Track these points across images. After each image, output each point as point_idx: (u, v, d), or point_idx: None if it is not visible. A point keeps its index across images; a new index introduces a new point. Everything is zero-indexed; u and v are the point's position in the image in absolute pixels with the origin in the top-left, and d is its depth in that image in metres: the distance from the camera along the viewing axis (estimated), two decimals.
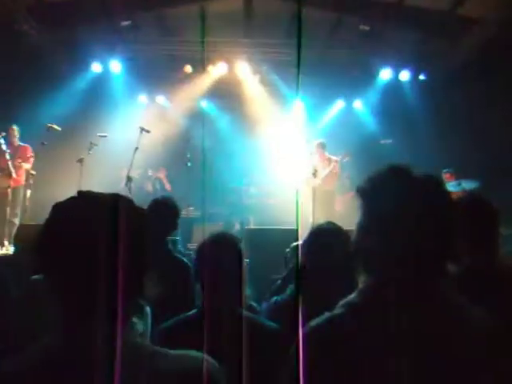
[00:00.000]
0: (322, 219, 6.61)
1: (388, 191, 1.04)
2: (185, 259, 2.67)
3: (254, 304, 2.21)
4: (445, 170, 7.25)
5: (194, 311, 1.71)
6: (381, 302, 0.99)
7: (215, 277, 1.66)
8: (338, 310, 1.03)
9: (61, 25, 7.99)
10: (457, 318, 1.00)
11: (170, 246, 2.63)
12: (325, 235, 1.90)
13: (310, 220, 6.49)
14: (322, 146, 7.12)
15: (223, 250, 1.71)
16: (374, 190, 1.07)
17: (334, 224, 2.00)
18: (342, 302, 1.04)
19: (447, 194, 1.09)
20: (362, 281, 1.09)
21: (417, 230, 0.99)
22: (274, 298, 2.01)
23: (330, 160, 7.00)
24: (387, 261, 1.01)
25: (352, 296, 1.06)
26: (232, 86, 9.32)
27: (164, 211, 2.58)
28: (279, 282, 2.54)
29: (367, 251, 1.06)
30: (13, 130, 6.54)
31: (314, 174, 6.61)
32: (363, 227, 1.07)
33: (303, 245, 2.00)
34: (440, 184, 1.09)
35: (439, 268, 1.04)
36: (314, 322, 1.03)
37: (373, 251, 1.05)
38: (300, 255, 1.84)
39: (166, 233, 2.59)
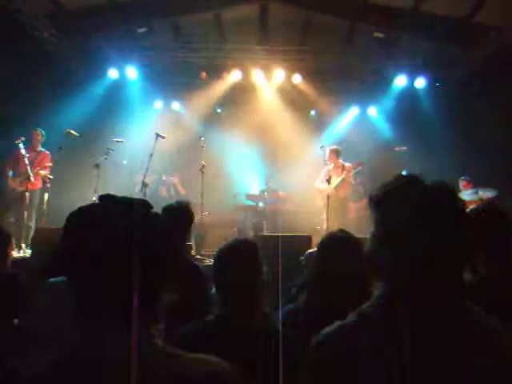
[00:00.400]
0: (335, 226, 6.63)
1: (401, 200, 1.04)
2: (199, 264, 2.69)
3: (269, 311, 2.21)
4: (462, 178, 7.19)
5: (210, 317, 1.73)
6: (394, 312, 0.99)
7: (233, 284, 1.68)
8: (350, 319, 1.03)
9: (79, 32, 8.14)
10: (473, 329, 0.99)
11: (184, 251, 2.65)
12: (337, 243, 1.90)
13: (324, 227, 6.49)
14: (337, 152, 7.06)
15: (242, 257, 1.72)
16: (387, 199, 1.07)
17: (346, 232, 2.00)
18: (354, 312, 1.04)
19: (461, 202, 1.08)
20: (375, 290, 1.09)
21: (431, 239, 0.99)
22: (289, 305, 2.01)
23: (343, 167, 6.94)
24: (400, 271, 1.01)
25: (365, 305, 1.06)
26: (247, 93, 9.38)
27: (178, 216, 2.59)
28: (294, 290, 2.54)
29: (381, 261, 1.06)
30: (37, 133, 6.51)
31: (328, 181, 6.60)
32: (376, 237, 1.07)
33: (316, 252, 2.01)
34: (453, 193, 1.08)
35: (455, 278, 1.03)
36: (325, 331, 1.03)
37: (386, 261, 1.05)
38: (313, 263, 1.84)
39: (180, 238, 2.60)
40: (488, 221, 1.87)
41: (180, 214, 2.63)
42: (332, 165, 7.00)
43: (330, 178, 6.66)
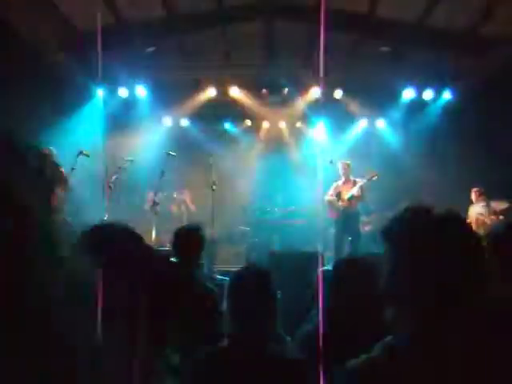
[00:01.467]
0: (347, 241, 6.60)
1: (412, 233, 1.06)
2: (212, 287, 2.68)
3: (282, 333, 2.20)
4: (474, 189, 7.12)
5: (224, 343, 1.73)
6: (421, 347, 0.99)
7: (245, 311, 1.69)
8: (375, 352, 1.03)
9: (88, 52, 8.30)
10: (495, 358, 0.99)
11: (197, 273, 2.66)
12: (352, 268, 1.90)
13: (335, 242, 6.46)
14: (347, 166, 7.04)
15: (253, 286, 1.73)
16: (396, 232, 1.09)
17: (361, 258, 1.99)
18: (379, 344, 1.05)
19: (469, 231, 1.10)
20: (393, 320, 1.10)
21: (443, 269, 1.01)
22: (305, 328, 1.99)
23: (354, 182, 6.89)
24: (418, 304, 1.02)
25: (389, 339, 1.06)
26: (254, 108, 9.46)
27: (190, 240, 2.61)
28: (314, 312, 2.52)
29: (395, 292, 1.08)
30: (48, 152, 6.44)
31: (338, 196, 6.60)
32: (390, 270, 1.08)
33: (332, 277, 2.01)
34: (462, 222, 1.10)
35: (469, 304, 1.04)
36: (353, 364, 1.04)
37: (401, 292, 1.06)
38: (330, 288, 1.84)
39: (192, 261, 2.62)
40: (505, 244, 1.86)
41: (191, 238, 2.64)
42: (342, 179, 6.99)
43: (339, 193, 6.66)
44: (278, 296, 1.79)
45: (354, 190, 6.78)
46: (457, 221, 1.09)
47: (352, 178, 6.99)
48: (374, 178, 6.90)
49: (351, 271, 1.87)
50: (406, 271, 1.05)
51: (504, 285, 1.86)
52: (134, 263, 1.09)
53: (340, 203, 6.71)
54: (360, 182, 6.81)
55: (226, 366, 1.68)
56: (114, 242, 1.19)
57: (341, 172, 6.98)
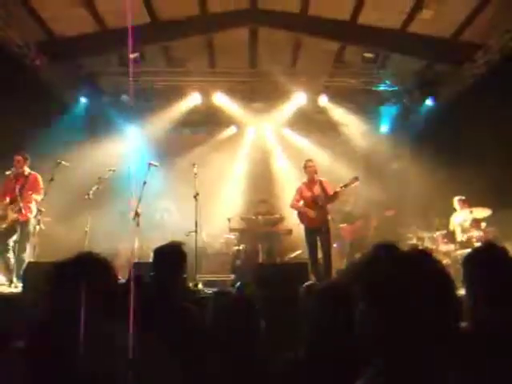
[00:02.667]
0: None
1: (380, 271, 1.07)
2: (189, 306, 2.58)
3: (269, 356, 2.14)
4: (457, 198, 7.17)
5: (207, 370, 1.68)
6: None
7: (231, 343, 1.64)
8: None
9: (70, 58, 8.18)
10: None
11: (174, 293, 2.55)
12: (334, 294, 1.84)
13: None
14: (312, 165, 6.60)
15: (239, 317, 1.68)
16: (366, 275, 1.09)
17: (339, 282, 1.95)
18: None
19: (439, 265, 1.10)
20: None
21: (416, 305, 1.00)
22: (290, 353, 1.93)
23: (320, 183, 6.49)
24: (390, 338, 1.01)
25: (362, 380, 1.04)
26: (239, 115, 9.43)
27: (171, 261, 2.54)
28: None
29: (371, 328, 1.06)
30: (19, 159, 6.30)
31: (321, 206, 6.45)
32: (363, 310, 1.07)
33: (313, 303, 1.95)
34: (430, 257, 1.11)
35: (443, 341, 1.03)
36: None
37: (376, 329, 1.05)
38: (311, 315, 1.79)
39: (174, 281, 2.55)
40: (484, 265, 1.85)
41: (172, 258, 2.58)
42: (306, 180, 6.63)
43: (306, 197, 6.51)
44: (263, 325, 1.74)
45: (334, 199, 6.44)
46: (425, 257, 1.10)
47: (317, 179, 6.54)
48: (354, 185, 6.39)
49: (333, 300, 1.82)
50: (379, 312, 1.04)
51: (489, 308, 1.85)
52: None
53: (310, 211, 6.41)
54: (338, 188, 6.36)
55: None
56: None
57: (307, 172, 6.56)
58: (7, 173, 6.14)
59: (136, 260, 5.92)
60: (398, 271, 1.05)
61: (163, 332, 1.95)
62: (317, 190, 6.49)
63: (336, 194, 6.37)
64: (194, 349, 2.30)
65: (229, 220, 8.02)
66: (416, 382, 0.98)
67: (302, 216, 6.54)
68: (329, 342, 1.59)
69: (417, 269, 1.05)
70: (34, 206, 6.24)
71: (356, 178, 6.38)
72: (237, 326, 1.66)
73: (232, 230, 8.09)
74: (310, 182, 6.57)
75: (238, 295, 1.85)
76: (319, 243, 6.29)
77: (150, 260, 2.85)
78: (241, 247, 7.74)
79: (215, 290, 3.39)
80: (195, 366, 1.83)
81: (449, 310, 1.03)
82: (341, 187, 6.34)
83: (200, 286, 5.81)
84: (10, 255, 6.02)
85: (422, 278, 1.03)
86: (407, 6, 7.25)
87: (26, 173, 6.38)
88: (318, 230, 6.28)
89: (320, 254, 6.31)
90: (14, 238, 6.07)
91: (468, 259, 1.96)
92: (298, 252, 8.02)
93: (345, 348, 1.49)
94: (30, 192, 6.23)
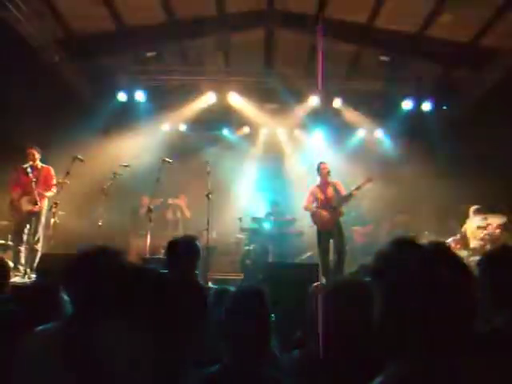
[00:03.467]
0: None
1: (396, 270, 1.03)
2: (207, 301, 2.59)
3: (277, 352, 2.14)
4: (472, 208, 6.98)
5: (215, 367, 1.68)
6: None
7: (238, 335, 1.64)
8: None
9: (89, 56, 8.28)
10: None
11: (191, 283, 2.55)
12: (347, 290, 1.83)
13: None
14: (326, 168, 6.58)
15: (247, 309, 1.68)
16: (383, 271, 1.06)
17: (354, 278, 1.94)
18: None
19: (457, 260, 1.06)
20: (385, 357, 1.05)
21: (434, 301, 0.98)
22: (296, 351, 1.94)
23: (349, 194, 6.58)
24: (412, 344, 0.98)
25: (377, 380, 1.01)
26: (253, 115, 9.45)
27: (186, 251, 2.55)
28: (299, 333, 2.47)
29: (387, 334, 1.04)
30: (35, 151, 6.35)
31: (334, 208, 6.43)
32: (380, 309, 1.04)
33: (324, 298, 1.94)
34: (448, 251, 1.07)
35: (468, 343, 1.00)
36: None
37: (394, 328, 1.03)
38: (322, 310, 1.78)
39: (186, 272, 2.55)
40: (499, 269, 1.83)
41: (187, 250, 2.59)
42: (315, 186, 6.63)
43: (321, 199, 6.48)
44: (272, 319, 1.74)
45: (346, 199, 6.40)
46: (443, 251, 1.06)
47: (330, 181, 6.52)
48: (368, 185, 6.36)
49: (348, 294, 1.81)
50: (397, 310, 1.02)
51: (496, 310, 1.83)
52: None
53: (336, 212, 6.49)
54: (352, 190, 6.34)
55: None
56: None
57: (320, 174, 6.52)
58: (24, 166, 6.22)
59: (147, 256, 5.95)
60: (418, 267, 1.01)
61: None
62: (330, 191, 6.47)
63: (349, 195, 6.34)
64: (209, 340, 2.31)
65: (240, 220, 8.03)
66: (432, 381, 0.96)
67: (315, 218, 6.52)
68: (343, 340, 1.59)
69: (435, 264, 1.01)
70: (46, 199, 6.34)
71: (369, 179, 6.35)
72: (251, 313, 1.66)
73: (243, 229, 8.11)
74: (323, 184, 6.56)
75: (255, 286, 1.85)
76: (333, 245, 6.27)
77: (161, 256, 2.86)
78: (251, 247, 7.74)
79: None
80: (207, 356, 1.83)
81: (468, 309, 1.01)
82: (355, 189, 6.31)
83: (210, 284, 5.84)
84: (23, 247, 6.10)
85: (439, 275, 1.00)
86: (426, 9, 7.20)
87: (39, 166, 6.46)
88: (331, 233, 6.25)
89: (331, 257, 6.28)
90: (28, 229, 6.15)
91: (482, 261, 1.95)
92: (309, 254, 8.00)
93: (360, 346, 1.48)
94: (44, 186, 6.30)
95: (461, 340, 0.99)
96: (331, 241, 6.28)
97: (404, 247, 1.07)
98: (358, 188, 6.31)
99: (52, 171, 6.45)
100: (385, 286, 1.05)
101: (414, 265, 1.02)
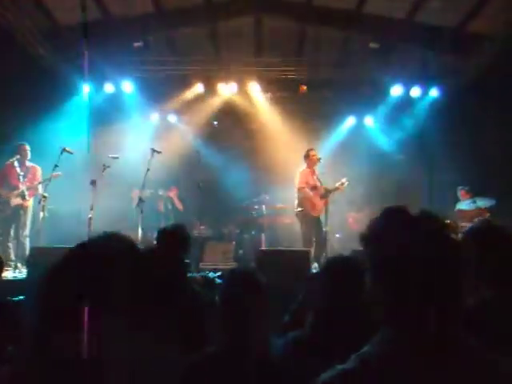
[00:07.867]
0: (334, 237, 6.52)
1: (389, 238, 1.02)
2: (198, 290, 2.60)
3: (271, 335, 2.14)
4: (460, 187, 7.16)
5: (211, 349, 1.67)
6: (397, 357, 0.95)
7: (239, 317, 1.62)
8: (349, 364, 0.98)
9: (74, 47, 8.14)
10: (481, 372, 0.95)
11: (182, 275, 2.56)
12: (343, 268, 1.83)
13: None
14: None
15: (247, 290, 1.66)
16: (375, 237, 1.05)
17: (351, 259, 1.93)
18: (354, 355, 1.00)
19: (450, 231, 1.06)
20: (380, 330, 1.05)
21: (425, 271, 0.96)
22: (291, 334, 1.93)
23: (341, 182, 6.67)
24: (400, 311, 0.98)
25: (365, 349, 1.01)
26: (243, 105, 9.39)
27: (174, 241, 2.54)
28: (287, 318, 2.46)
29: (379, 301, 1.04)
30: (25, 149, 6.41)
31: (325, 195, 6.48)
32: (373, 277, 1.04)
33: (321, 278, 1.94)
34: (441, 222, 1.06)
35: (456, 315, 1.00)
36: (324, 377, 0.98)
37: (384, 302, 1.02)
38: (319, 290, 1.78)
39: (176, 263, 2.55)
40: (486, 242, 1.84)
41: (176, 239, 2.57)
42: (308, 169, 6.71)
43: (327, 190, 6.54)
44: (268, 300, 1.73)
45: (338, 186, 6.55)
46: (436, 221, 1.05)
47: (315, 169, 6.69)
48: (344, 185, 6.58)
49: (343, 270, 1.81)
50: (386, 277, 1.01)
51: (477, 282, 1.84)
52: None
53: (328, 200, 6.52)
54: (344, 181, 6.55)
55: (213, 373, 1.63)
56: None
57: (309, 161, 6.67)
58: (11, 160, 6.16)
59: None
60: (410, 238, 1.00)
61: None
62: (316, 179, 6.51)
63: (335, 189, 6.51)
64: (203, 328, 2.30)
65: (232, 209, 8.03)
66: (424, 351, 0.95)
67: (305, 202, 6.48)
68: (337, 311, 1.59)
69: (422, 229, 1.01)
70: (33, 195, 6.33)
71: (342, 183, 6.55)
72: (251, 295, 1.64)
73: (235, 219, 8.11)
74: (312, 171, 6.57)
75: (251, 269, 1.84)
76: (315, 231, 6.31)
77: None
78: (244, 236, 7.75)
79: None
80: (203, 346, 1.82)
81: (459, 282, 1.00)
82: (331, 189, 6.51)
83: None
84: (12, 243, 6.06)
85: (435, 247, 0.99)
86: None
87: (27, 164, 6.45)
88: (318, 219, 6.33)
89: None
90: (16, 224, 6.12)
91: (465, 236, 1.96)
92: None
93: (354, 318, 1.49)
94: (29, 184, 6.29)
95: (447, 315, 0.98)
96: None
97: (395, 216, 1.06)
98: (333, 190, 6.51)
99: (39, 172, 6.46)
100: (373, 255, 1.04)
101: (402, 236, 1.01)
